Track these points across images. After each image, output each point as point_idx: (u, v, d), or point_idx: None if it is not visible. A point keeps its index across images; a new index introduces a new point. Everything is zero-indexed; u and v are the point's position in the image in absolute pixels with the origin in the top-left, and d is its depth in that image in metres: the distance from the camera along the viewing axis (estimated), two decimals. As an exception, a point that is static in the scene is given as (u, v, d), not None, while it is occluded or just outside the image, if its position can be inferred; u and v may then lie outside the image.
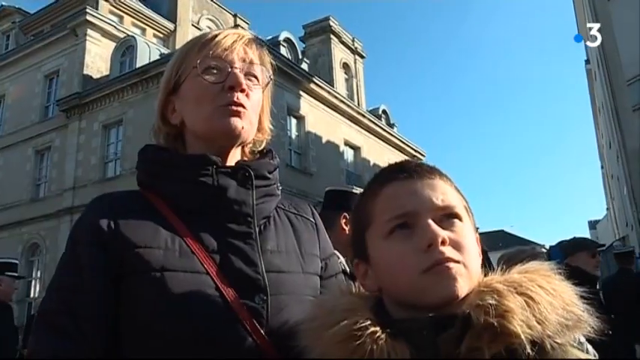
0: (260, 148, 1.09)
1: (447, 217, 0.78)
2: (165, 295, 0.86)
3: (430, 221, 0.76)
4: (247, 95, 1.00)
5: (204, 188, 0.96)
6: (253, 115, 1.02)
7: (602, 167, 34.66)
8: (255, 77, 1.03)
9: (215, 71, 0.99)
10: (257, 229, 0.98)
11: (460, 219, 0.79)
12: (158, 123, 1.06)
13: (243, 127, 0.99)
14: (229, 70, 0.99)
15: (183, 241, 0.92)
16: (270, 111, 1.11)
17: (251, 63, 1.02)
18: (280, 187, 1.09)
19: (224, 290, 0.89)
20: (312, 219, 1.12)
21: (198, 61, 0.99)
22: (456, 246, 0.75)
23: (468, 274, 0.74)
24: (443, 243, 0.74)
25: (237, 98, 0.97)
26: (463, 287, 0.73)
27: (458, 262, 0.74)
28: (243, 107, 0.98)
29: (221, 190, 0.96)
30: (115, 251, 0.90)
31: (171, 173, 0.98)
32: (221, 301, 0.89)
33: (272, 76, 1.07)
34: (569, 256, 3.56)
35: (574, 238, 3.82)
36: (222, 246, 0.94)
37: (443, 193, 0.79)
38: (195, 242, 0.92)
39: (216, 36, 1.02)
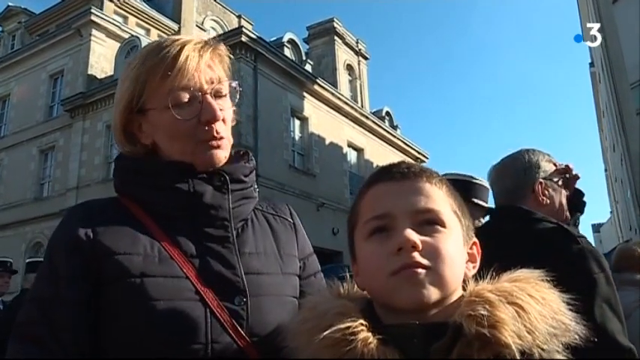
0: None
1: (428, 222, 0.77)
2: (145, 300, 0.87)
3: (404, 225, 0.76)
4: (224, 120, 0.99)
5: (181, 194, 0.96)
6: (229, 134, 1.02)
7: (605, 170, 34.56)
8: (225, 94, 1.02)
9: (186, 100, 0.96)
10: (234, 233, 0.99)
11: (443, 225, 0.78)
12: (122, 143, 1.03)
13: (225, 156, 1.00)
14: (201, 100, 0.96)
15: (162, 246, 0.92)
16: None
17: (219, 82, 1.00)
18: (257, 189, 1.09)
19: (204, 293, 0.90)
20: (290, 219, 1.13)
21: (167, 93, 0.95)
22: (431, 252, 0.75)
23: (438, 281, 0.74)
24: (414, 248, 0.74)
25: (217, 132, 0.97)
26: (431, 294, 0.73)
27: (426, 268, 0.74)
28: (224, 138, 0.99)
29: (197, 196, 0.96)
30: (94, 259, 0.90)
31: (147, 180, 0.98)
32: (201, 303, 0.89)
33: (239, 84, 1.06)
34: None
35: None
36: (201, 250, 0.94)
37: (426, 197, 0.78)
38: (174, 247, 0.93)
39: (176, 57, 0.96)
